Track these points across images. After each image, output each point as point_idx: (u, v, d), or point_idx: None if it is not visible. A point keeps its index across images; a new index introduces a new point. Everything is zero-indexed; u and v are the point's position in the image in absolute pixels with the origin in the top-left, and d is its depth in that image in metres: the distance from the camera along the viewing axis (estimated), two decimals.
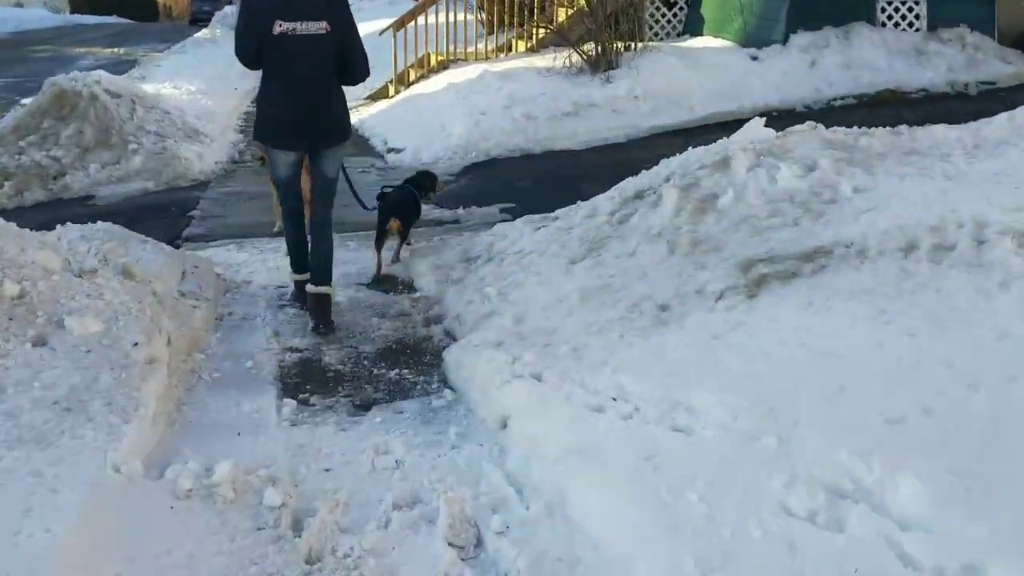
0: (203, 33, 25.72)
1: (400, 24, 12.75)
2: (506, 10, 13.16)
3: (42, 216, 7.49)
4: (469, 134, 9.30)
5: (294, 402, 3.83)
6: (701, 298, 3.74)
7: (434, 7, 12.92)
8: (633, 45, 11.24)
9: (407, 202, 5.97)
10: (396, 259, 5.75)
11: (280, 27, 4.42)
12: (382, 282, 5.50)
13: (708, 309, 3.62)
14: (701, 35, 12.43)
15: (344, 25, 4.60)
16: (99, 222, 5.03)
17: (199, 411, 3.76)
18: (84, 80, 8.56)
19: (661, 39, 12.69)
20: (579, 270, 4.42)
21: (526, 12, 12.95)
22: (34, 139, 8.23)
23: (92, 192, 7.98)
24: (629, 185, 5.15)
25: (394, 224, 5.67)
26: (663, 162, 5.41)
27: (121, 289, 4.23)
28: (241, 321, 4.85)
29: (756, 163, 4.47)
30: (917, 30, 10.78)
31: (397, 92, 12.87)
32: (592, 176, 7.83)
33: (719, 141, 5.12)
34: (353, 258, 5.90)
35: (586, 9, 12.33)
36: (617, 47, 10.91)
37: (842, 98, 9.89)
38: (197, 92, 12.83)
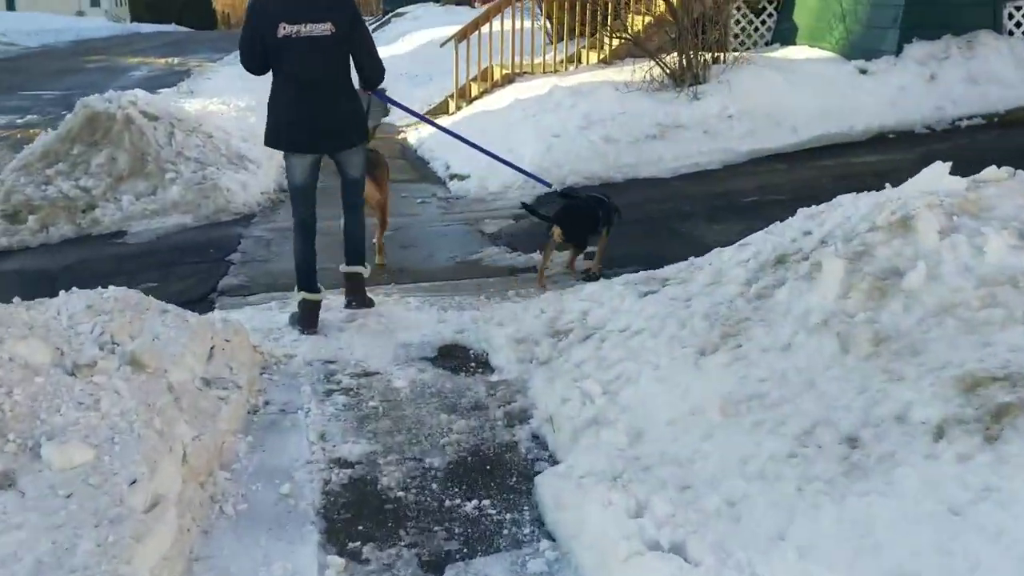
0: None
1: (462, 35, 11.81)
2: (575, 18, 12.16)
3: (70, 255, 6.70)
4: (541, 159, 8.28)
5: (341, 560, 2.85)
6: (906, 431, 2.67)
7: (498, 16, 12.00)
8: (722, 56, 10.14)
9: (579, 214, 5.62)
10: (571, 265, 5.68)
11: (284, 30, 4.41)
12: (450, 356, 4.51)
13: (926, 454, 2.54)
14: (794, 44, 11.27)
15: (349, 25, 4.54)
16: (111, 287, 4.12)
17: (216, 573, 2.80)
18: (119, 101, 7.75)
19: (748, 48, 11.57)
20: (713, 366, 3.37)
21: (598, 20, 11.93)
22: (63, 167, 7.44)
23: (124, 227, 7.15)
24: (765, 244, 4.08)
25: (556, 232, 5.45)
26: (803, 213, 4.33)
27: (126, 389, 3.30)
28: (279, 415, 3.89)
29: (950, 226, 3.37)
30: None
31: (459, 108, 11.94)
32: (688, 213, 6.77)
33: (886, 191, 4.02)
34: (415, 321, 4.92)
35: (666, 16, 11.27)
36: (705, 59, 9.81)
37: (968, 117, 8.65)
38: (246, 108, 12.00)
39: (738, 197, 7.02)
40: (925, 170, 3.86)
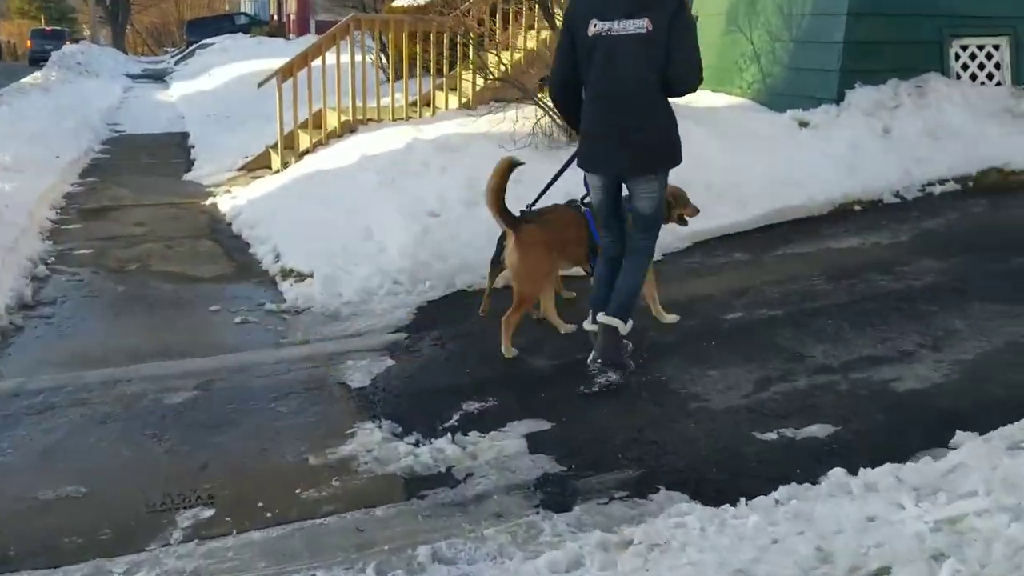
0: (32, 78, 21.12)
1: (287, 72, 9.24)
2: (424, 51, 9.85)
3: None
4: (416, 247, 5.90)
5: None
6: None
7: (332, 48, 9.54)
8: None
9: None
10: None
11: (594, 28, 3.77)
12: None
13: None
14: None
15: (668, 26, 3.67)
16: None
17: None
18: None
19: None
20: None
21: (458, 51, 9.68)
22: None
23: None
24: None
25: None
26: None
27: None
28: None
29: None
30: (998, 83, 8.13)
31: (285, 164, 9.33)
32: (657, 345, 4.53)
33: None
34: None
35: (547, 48, 9.19)
36: None
37: (940, 181, 7.02)
38: None
39: (713, 311, 4.92)
40: None
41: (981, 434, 3.27)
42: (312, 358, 4.68)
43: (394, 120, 9.46)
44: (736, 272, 5.51)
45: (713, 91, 9.08)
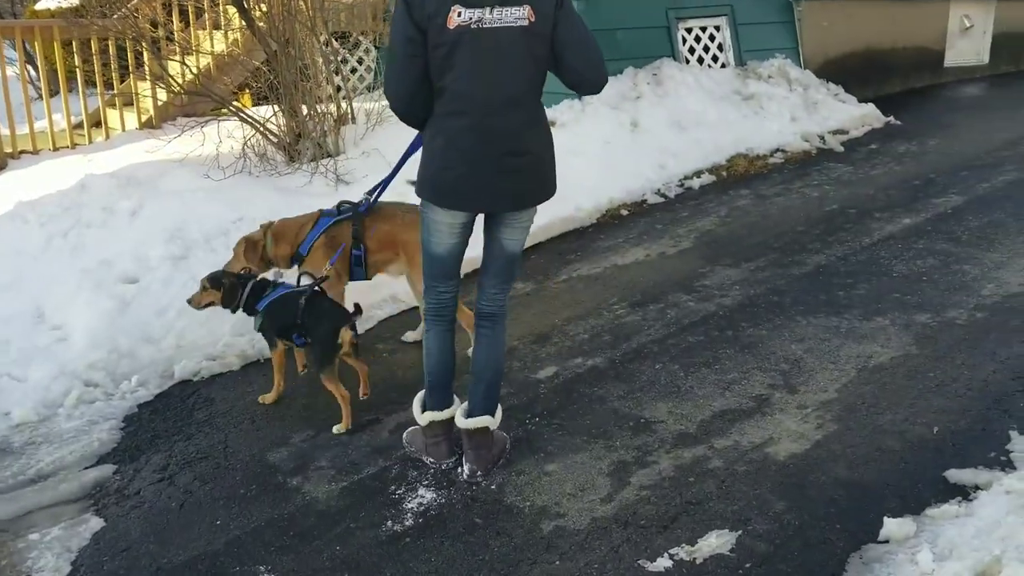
0: None
1: None
2: (83, 60, 8.00)
3: None
4: (112, 330, 4.40)
5: None
6: None
7: None
8: (348, 111, 7.03)
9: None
10: None
11: (459, 16, 2.75)
12: None
13: None
14: None
15: (554, 15, 2.79)
16: None
17: None
18: None
19: (345, 97, 8.40)
20: None
21: (130, 59, 7.93)
22: None
23: None
24: None
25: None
26: None
27: None
28: None
29: None
30: (723, 65, 8.02)
31: None
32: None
33: None
34: None
35: (236, 53, 7.79)
36: (329, 115, 6.62)
37: (696, 174, 6.66)
38: None
39: (519, 370, 4.00)
40: None
41: (913, 514, 2.68)
42: None
43: (56, 149, 7.63)
44: (526, 309, 4.65)
45: None
